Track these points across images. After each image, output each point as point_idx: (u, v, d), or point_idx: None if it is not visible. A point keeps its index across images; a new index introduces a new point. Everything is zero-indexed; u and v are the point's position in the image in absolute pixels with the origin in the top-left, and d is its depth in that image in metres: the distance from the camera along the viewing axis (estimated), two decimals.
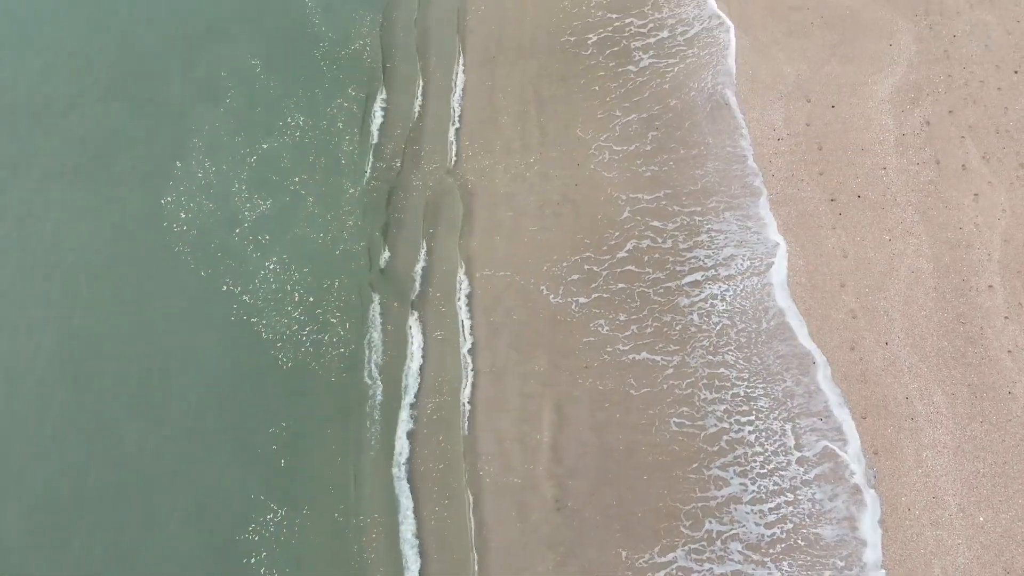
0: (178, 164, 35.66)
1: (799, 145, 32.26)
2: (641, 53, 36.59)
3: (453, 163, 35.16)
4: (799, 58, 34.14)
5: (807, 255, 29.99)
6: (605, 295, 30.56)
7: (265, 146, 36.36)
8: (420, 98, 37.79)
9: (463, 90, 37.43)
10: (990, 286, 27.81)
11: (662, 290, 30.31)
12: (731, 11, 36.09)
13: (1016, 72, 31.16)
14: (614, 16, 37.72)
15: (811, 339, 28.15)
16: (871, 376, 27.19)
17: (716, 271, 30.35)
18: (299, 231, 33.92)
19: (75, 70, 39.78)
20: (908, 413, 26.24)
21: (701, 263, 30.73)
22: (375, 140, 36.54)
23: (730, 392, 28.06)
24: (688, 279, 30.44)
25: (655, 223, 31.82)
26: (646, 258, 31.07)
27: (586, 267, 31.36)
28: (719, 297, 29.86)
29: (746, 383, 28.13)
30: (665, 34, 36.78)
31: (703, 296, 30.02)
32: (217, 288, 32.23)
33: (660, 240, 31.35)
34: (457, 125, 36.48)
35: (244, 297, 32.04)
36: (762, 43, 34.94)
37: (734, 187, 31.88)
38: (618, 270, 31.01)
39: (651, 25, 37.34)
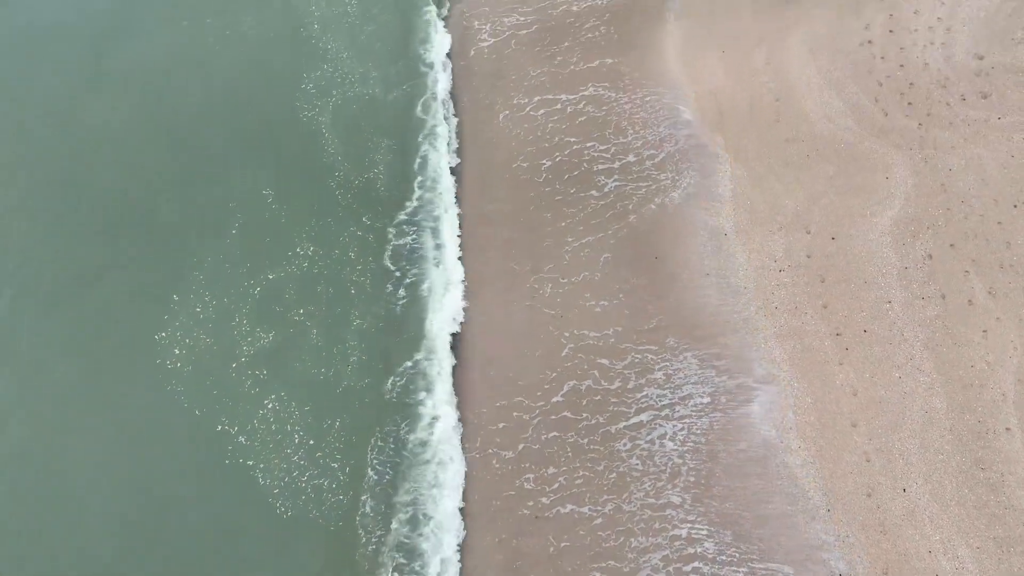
0: (175, 297, 35.41)
1: (801, 277, 32.11)
2: (604, 177, 36.63)
3: (457, 303, 35.07)
4: (796, 189, 34.43)
5: (815, 392, 29.32)
6: (535, 446, 29.60)
7: (271, 276, 36.11)
8: (432, 227, 37.94)
9: (461, 223, 37.69)
10: (1007, 428, 26.98)
11: (598, 436, 29.24)
12: (727, 142, 36.63)
13: (1015, 206, 31.27)
14: (572, 140, 38.38)
15: (815, 479, 27.21)
16: (890, 526, 26.04)
17: (672, 410, 29.37)
18: (300, 366, 33.39)
19: (69, 193, 39.58)
20: (932, 569, 24.95)
21: (652, 403, 29.73)
22: (389, 268, 36.24)
23: (670, 534, 26.73)
24: (633, 420, 29.44)
25: (602, 361, 31.18)
26: (584, 402, 30.17)
27: (515, 414, 30.55)
28: (669, 436, 28.88)
29: (691, 525, 26.87)
30: (631, 158, 37.15)
31: (650, 437, 28.99)
32: (211, 429, 31.45)
33: (604, 382, 30.48)
34: (459, 254, 36.63)
35: (240, 438, 31.23)
36: (758, 174, 35.32)
37: (707, 324, 31.30)
38: (552, 417, 30.11)
39: (614, 150, 37.71)
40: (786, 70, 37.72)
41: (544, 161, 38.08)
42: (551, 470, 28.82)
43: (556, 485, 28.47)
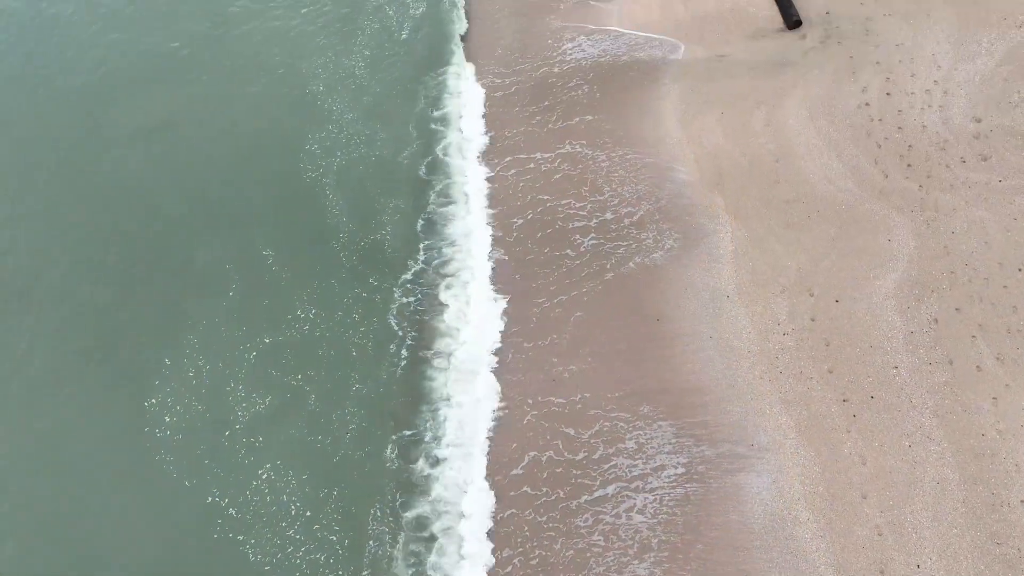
0: (167, 362, 34.65)
1: (805, 340, 31.64)
2: (580, 236, 36.21)
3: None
4: (798, 251, 34.18)
5: (823, 461, 28.59)
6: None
7: (268, 340, 35.29)
8: (444, 284, 37.46)
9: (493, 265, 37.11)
10: (1022, 501, 26.26)
11: (557, 513, 28.17)
12: (726, 203, 36.52)
13: (1020, 269, 31.01)
14: (546, 198, 38.19)
15: (826, 553, 26.28)
16: None
17: (643, 482, 28.39)
18: (295, 432, 32.55)
19: (66, 252, 39.08)
20: None
21: (620, 474, 28.71)
22: (394, 329, 35.33)
23: None
24: (598, 493, 28.42)
25: (567, 430, 30.24)
26: (544, 474, 29.20)
27: None
28: (637, 509, 27.88)
29: None
30: (609, 216, 36.66)
31: (617, 511, 27.95)
32: (201, 501, 30.41)
33: (567, 453, 29.53)
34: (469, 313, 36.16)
35: (231, 511, 30.27)
36: (759, 235, 35.10)
37: (710, 389, 30.44)
38: (511, 493, 29.04)
39: (591, 205, 37.39)
40: (785, 132, 37.87)
41: (516, 220, 37.58)
42: (506, 552, 27.71)
43: (509, 568, 27.34)
